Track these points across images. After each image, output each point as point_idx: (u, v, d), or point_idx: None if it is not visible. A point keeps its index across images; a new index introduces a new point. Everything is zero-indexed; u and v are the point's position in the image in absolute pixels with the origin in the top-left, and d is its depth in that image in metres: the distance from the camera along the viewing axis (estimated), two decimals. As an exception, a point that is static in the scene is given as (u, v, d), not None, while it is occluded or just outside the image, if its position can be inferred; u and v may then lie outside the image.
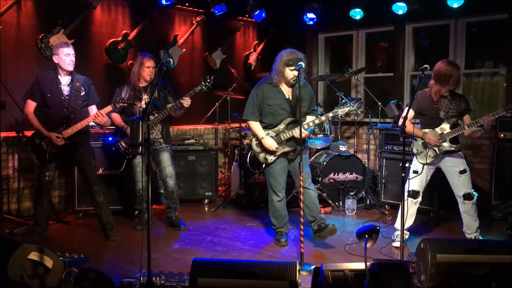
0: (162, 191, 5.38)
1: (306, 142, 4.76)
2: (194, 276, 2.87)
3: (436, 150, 4.33)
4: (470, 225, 4.41)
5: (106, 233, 4.77)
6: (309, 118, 4.42)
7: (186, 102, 4.80)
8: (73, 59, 4.51)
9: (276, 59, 4.41)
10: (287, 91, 4.44)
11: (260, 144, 4.45)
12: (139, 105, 4.89)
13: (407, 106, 4.55)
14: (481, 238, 4.43)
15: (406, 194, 4.34)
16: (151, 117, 4.81)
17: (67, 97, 4.52)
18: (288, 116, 4.40)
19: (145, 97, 4.92)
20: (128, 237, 4.83)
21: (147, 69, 4.90)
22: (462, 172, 4.34)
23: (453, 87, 4.27)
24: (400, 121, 4.42)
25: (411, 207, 4.42)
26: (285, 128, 4.38)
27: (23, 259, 3.21)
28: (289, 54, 4.30)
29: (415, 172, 4.42)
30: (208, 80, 4.85)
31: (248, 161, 4.57)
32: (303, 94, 4.35)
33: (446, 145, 4.30)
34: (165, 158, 5.03)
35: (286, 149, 4.41)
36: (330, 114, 4.34)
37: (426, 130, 4.37)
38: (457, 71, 4.23)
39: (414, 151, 4.46)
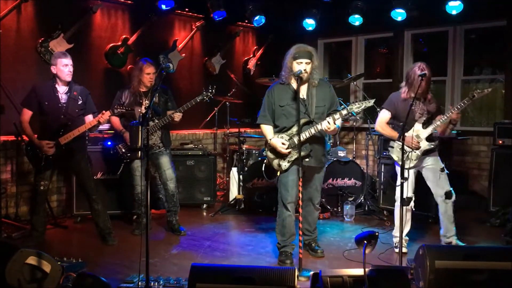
0: (161, 196, 5.38)
1: (326, 157, 4.41)
2: (193, 282, 2.86)
3: (417, 151, 4.33)
4: (449, 227, 4.41)
5: (104, 238, 4.76)
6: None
7: (177, 117, 4.82)
8: (71, 69, 4.53)
9: (285, 55, 4.17)
10: (301, 89, 4.06)
11: (273, 149, 4.16)
12: (139, 110, 4.90)
13: (382, 108, 4.51)
14: (459, 243, 4.42)
15: (400, 202, 4.30)
16: (151, 123, 4.81)
17: (64, 104, 4.54)
18: (302, 117, 3.99)
19: (145, 102, 4.93)
20: (127, 242, 4.81)
21: (147, 76, 4.91)
22: (442, 170, 4.37)
23: (421, 90, 4.16)
24: (377, 126, 4.47)
25: (405, 214, 4.38)
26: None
27: (21, 263, 3.20)
28: (297, 47, 4.11)
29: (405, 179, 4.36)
30: (210, 91, 4.85)
31: (263, 169, 4.19)
32: (321, 94, 4.16)
33: (424, 144, 4.28)
34: (165, 162, 5.04)
35: (301, 153, 3.92)
36: (344, 112, 3.94)
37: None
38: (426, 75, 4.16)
39: (395, 158, 4.40)
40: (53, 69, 4.51)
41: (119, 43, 6.43)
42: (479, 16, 6.55)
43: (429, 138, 4.30)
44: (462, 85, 7.02)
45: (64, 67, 4.47)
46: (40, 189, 4.59)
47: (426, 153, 4.34)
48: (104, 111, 4.52)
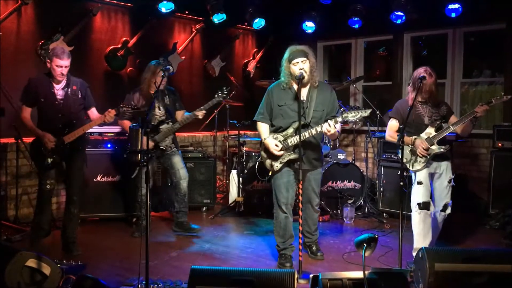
0: (159, 199, 5.37)
1: (320, 161, 4.36)
2: (192, 284, 2.86)
3: (426, 156, 4.28)
4: (434, 236, 4.30)
5: (68, 247, 4.49)
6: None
7: (202, 115, 4.90)
8: (65, 71, 4.30)
9: (281, 62, 4.14)
10: (301, 91, 4.05)
11: (267, 149, 4.16)
12: (153, 112, 4.92)
13: (389, 117, 4.46)
14: None
15: (416, 208, 4.16)
16: (166, 126, 4.82)
17: (61, 101, 4.35)
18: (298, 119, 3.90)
19: (157, 104, 4.94)
20: (126, 244, 4.81)
21: (160, 78, 4.89)
22: (450, 181, 4.27)
23: (426, 95, 4.16)
24: (387, 135, 4.41)
25: (426, 221, 4.16)
26: (293, 133, 4.03)
27: (20, 266, 3.21)
28: (290, 50, 4.07)
29: (419, 183, 4.21)
30: (226, 92, 4.87)
31: (256, 167, 4.22)
32: (321, 97, 4.14)
33: (434, 147, 4.17)
34: (177, 161, 5.08)
35: (293, 156, 4.05)
36: (339, 119, 3.91)
37: (414, 136, 4.25)
38: (430, 79, 4.12)
39: (404, 160, 4.29)
40: (48, 64, 4.31)
41: (119, 46, 6.44)
42: (478, 19, 6.56)
43: (440, 142, 4.21)
44: (461, 88, 7.03)
45: (57, 67, 4.25)
46: (46, 188, 4.41)
47: (437, 156, 4.22)
48: (110, 109, 4.32)
